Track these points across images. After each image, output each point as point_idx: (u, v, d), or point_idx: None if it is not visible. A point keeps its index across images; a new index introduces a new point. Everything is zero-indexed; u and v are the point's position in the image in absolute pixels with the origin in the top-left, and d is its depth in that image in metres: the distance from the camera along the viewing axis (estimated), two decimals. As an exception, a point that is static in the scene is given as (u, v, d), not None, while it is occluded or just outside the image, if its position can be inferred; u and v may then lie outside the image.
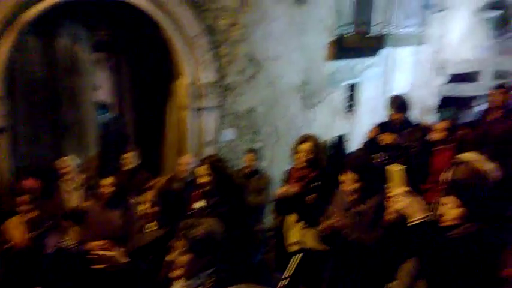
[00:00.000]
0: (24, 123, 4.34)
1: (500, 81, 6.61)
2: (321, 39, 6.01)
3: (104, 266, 2.30)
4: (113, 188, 3.35)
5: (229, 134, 5.17)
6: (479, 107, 6.53)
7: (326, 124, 6.29)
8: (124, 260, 2.29)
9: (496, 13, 8.74)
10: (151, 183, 3.75)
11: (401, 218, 2.11)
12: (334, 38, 6.10)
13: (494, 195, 2.35)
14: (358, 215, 2.73)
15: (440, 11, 7.70)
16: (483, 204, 2.15)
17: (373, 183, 2.69)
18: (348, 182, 2.73)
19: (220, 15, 4.81)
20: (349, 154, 3.42)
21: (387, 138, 4.29)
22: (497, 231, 2.24)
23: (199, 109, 4.89)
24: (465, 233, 2.09)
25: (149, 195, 3.09)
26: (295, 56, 5.76)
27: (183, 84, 4.84)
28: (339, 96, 6.55)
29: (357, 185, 2.71)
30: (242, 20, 5.00)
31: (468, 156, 3.31)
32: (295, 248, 3.19)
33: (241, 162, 4.80)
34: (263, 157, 5.19)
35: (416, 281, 2.14)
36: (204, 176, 3.29)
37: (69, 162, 4.01)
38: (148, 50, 5.10)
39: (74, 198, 3.93)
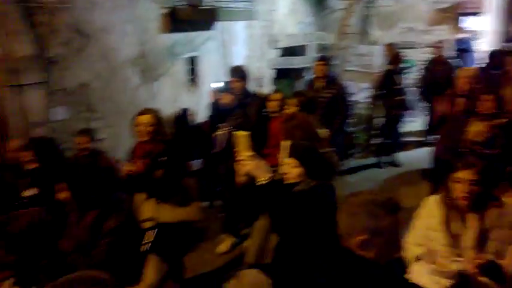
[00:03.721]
0: None
1: (322, 54, 7.39)
2: (153, 11, 5.76)
3: None
4: None
5: (60, 113, 4.61)
6: (308, 77, 7.18)
7: (170, 98, 6.14)
8: None
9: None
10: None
11: (251, 179, 2.22)
12: (167, 10, 5.93)
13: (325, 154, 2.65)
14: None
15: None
16: (318, 163, 2.39)
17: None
18: None
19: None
20: None
21: (226, 98, 4.43)
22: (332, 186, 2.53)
23: (18, 86, 4.21)
24: (307, 188, 2.30)
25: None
26: (129, 28, 5.40)
27: (-7, 58, 4.09)
28: (180, 69, 6.43)
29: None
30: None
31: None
32: (149, 224, 3.08)
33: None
34: (107, 136, 4.82)
35: (269, 235, 2.27)
36: (28, 161, 2.94)
37: None
38: None
39: None
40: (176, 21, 6.04)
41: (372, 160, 7.00)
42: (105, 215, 2.28)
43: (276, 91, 4.82)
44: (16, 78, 4.18)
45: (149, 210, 3.22)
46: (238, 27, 7.53)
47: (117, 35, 5.23)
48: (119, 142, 4.95)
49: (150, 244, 2.57)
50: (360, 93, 8.21)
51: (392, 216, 1.51)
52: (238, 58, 7.40)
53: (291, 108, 3.95)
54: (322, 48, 9.03)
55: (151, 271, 2.41)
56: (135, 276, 2.35)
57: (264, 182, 2.17)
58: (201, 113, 6.01)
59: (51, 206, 2.09)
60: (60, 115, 4.62)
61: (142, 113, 3.34)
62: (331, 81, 5.28)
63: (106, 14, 5.03)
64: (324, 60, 5.41)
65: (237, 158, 2.27)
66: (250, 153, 2.26)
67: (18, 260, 1.64)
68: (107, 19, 5.05)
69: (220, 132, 4.52)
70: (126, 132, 3.84)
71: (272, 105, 4.38)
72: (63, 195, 2.27)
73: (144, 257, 2.47)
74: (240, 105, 4.45)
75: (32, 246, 1.66)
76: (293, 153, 2.40)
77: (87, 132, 4.22)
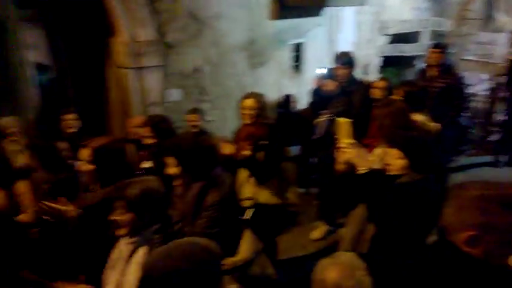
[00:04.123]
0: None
1: (437, 41, 6.87)
2: (263, -2, 5.89)
3: (53, 219, 2.24)
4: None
5: (175, 94, 5.00)
6: (419, 66, 6.77)
7: (274, 83, 6.26)
8: (74, 214, 2.25)
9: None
10: (86, 142, 3.58)
11: (350, 167, 2.17)
12: (276, -4, 6.01)
13: (433, 148, 2.48)
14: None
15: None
16: (424, 156, 2.25)
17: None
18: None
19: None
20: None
21: (330, 85, 4.37)
22: (438, 180, 2.37)
23: (140, 68, 4.65)
24: (410, 181, 2.18)
25: (84, 153, 2.90)
26: (239, 15, 5.60)
27: (121, 42, 4.55)
28: (285, 55, 6.51)
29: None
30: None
31: (416, 117, 3.46)
32: (248, 203, 3.22)
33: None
34: (214, 117, 5.09)
35: (366, 225, 2.23)
36: (147, 137, 3.25)
37: (12, 123, 3.76)
38: (81, 5, 4.71)
39: (19, 159, 3.68)
40: (284, 7, 6.09)
41: (486, 158, 6.38)
42: (207, 190, 2.43)
43: (381, 78, 4.62)
44: (138, 61, 4.62)
45: (249, 189, 3.34)
46: (347, 13, 7.35)
47: (229, 22, 5.45)
48: (225, 124, 5.20)
49: (247, 221, 2.68)
50: (479, 84, 7.49)
51: (510, 214, 1.37)
52: (346, 44, 7.23)
53: (394, 98, 3.76)
54: (438, 35, 8.39)
55: (246, 246, 2.52)
56: (232, 249, 2.48)
57: (364, 171, 2.11)
58: (303, 100, 6.04)
59: (163, 178, 2.28)
60: (174, 96, 5.00)
61: (247, 96, 3.46)
62: (446, 71, 4.89)
63: (219, 1, 5.27)
64: (439, 47, 5.01)
65: (337, 145, 2.25)
66: (351, 140, 2.22)
67: (134, 221, 1.85)
68: (220, 6, 5.29)
69: (321, 119, 4.48)
70: (232, 115, 4.03)
71: (375, 93, 4.21)
72: (172, 170, 2.46)
73: (241, 232, 2.59)
74: (344, 93, 4.35)
75: (145, 210, 1.86)
76: (395, 143, 2.28)
77: (198, 111, 4.51)
